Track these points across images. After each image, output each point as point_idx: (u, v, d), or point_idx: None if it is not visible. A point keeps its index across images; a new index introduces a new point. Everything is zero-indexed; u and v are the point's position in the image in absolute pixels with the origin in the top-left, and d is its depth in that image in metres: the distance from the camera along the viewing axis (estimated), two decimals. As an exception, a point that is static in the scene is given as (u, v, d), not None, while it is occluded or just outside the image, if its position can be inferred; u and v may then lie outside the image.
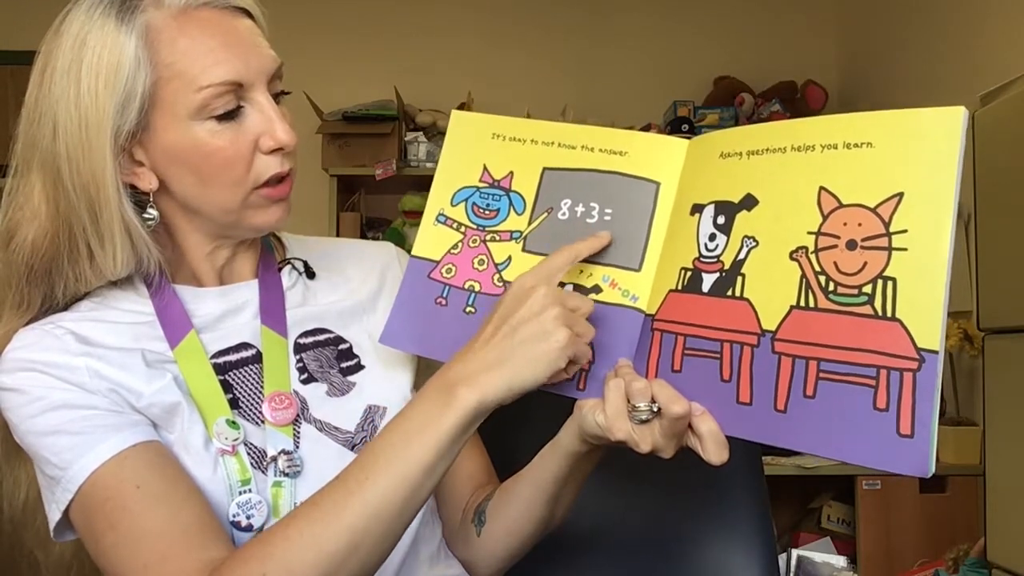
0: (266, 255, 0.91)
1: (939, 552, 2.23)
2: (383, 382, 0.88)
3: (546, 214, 0.80)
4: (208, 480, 0.78)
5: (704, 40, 3.46)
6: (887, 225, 0.61)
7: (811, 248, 0.64)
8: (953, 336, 2.37)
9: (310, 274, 0.92)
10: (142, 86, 0.75)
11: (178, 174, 0.79)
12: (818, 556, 2.49)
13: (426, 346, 0.82)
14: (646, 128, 3.22)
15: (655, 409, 0.69)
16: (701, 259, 0.71)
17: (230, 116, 0.77)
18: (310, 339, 0.88)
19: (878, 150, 0.62)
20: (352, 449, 0.83)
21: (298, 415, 0.83)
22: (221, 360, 0.83)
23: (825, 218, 0.63)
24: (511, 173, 0.82)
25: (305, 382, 0.85)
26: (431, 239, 0.84)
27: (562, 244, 0.76)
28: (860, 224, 0.62)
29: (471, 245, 0.82)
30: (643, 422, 0.70)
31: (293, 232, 0.97)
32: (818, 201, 0.64)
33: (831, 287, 0.63)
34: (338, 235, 3.03)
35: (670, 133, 3.19)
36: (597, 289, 0.76)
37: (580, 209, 0.79)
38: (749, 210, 0.68)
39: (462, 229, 0.83)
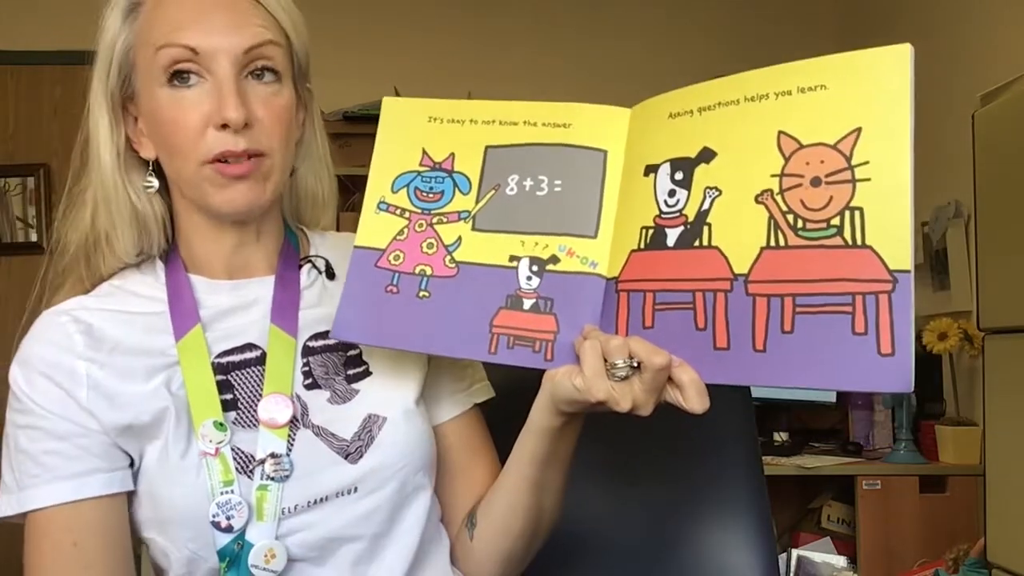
0: (288, 250, 0.89)
1: (939, 552, 2.23)
2: (386, 391, 0.86)
3: (494, 191, 0.80)
4: (190, 484, 0.78)
5: (704, 40, 3.46)
6: (849, 159, 0.64)
7: (776, 190, 0.65)
8: (953, 336, 2.38)
9: (330, 274, 0.90)
10: (122, 52, 0.81)
11: (155, 141, 0.83)
12: (818, 556, 2.49)
13: (381, 336, 0.81)
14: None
15: (634, 364, 0.69)
16: (662, 215, 0.71)
17: (184, 84, 0.79)
18: (320, 342, 0.86)
19: (832, 91, 0.64)
20: (346, 458, 0.82)
21: (296, 419, 0.82)
22: (225, 360, 0.83)
23: (787, 160, 0.65)
24: (452, 155, 0.82)
25: (309, 387, 0.84)
26: (374, 228, 0.83)
27: (514, 219, 0.78)
28: (822, 161, 0.64)
29: (417, 230, 0.82)
30: (623, 379, 0.70)
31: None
32: (778, 145, 0.66)
33: (800, 224, 0.64)
34: (338, 235, 3.03)
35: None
36: (555, 259, 0.77)
37: (529, 183, 0.79)
38: (708, 163, 0.69)
39: (406, 215, 0.82)
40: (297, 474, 0.80)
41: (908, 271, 0.61)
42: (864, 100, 0.64)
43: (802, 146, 0.65)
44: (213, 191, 0.80)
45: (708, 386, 0.69)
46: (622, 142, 0.76)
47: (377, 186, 0.84)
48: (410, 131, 0.83)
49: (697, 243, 0.69)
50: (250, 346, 0.84)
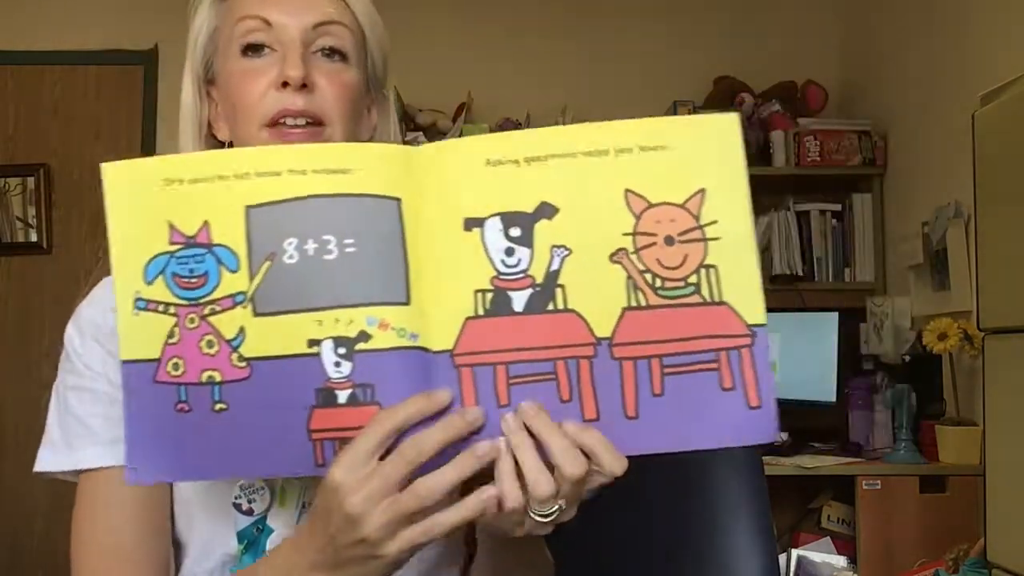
0: None
1: (939, 552, 2.23)
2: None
3: (269, 263, 0.65)
4: None
5: (704, 40, 3.46)
6: (697, 219, 0.64)
7: (631, 248, 0.64)
8: (953, 336, 2.37)
9: None
10: (207, 33, 0.85)
11: (226, 115, 0.84)
12: (818, 556, 2.50)
13: (185, 468, 0.68)
14: (646, 128, 3.21)
15: (562, 506, 0.63)
16: (501, 277, 0.64)
17: (257, 54, 0.81)
18: None
19: (673, 152, 0.64)
20: None
21: None
22: None
23: (638, 218, 0.64)
24: (206, 223, 0.66)
25: None
26: (138, 334, 0.67)
27: (303, 294, 0.64)
28: (673, 220, 0.64)
29: (189, 326, 0.66)
30: (549, 516, 0.63)
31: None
32: (627, 203, 0.64)
33: (658, 283, 0.63)
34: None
35: (670, 133, 3.19)
36: (364, 336, 0.64)
37: (312, 246, 0.64)
38: (549, 219, 0.64)
39: (171, 310, 0.66)
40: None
41: (764, 324, 0.63)
42: (703, 163, 0.64)
43: (651, 205, 0.64)
44: None
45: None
46: (417, 187, 0.65)
47: (126, 280, 0.67)
48: (146, 201, 0.67)
49: (551, 307, 0.63)
50: None
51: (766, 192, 3.23)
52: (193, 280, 0.66)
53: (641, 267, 0.63)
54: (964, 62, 2.55)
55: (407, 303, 0.64)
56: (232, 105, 0.82)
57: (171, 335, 0.66)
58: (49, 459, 0.81)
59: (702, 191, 0.64)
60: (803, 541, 2.67)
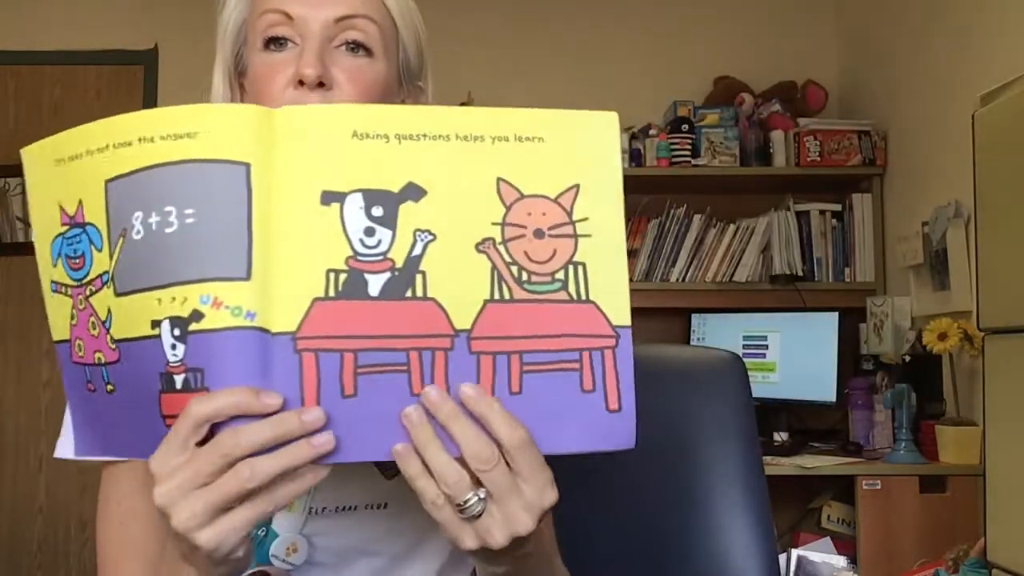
0: None
1: (939, 552, 2.23)
2: None
3: (121, 239, 0.61)
4: None
5: (704, 40, 3.46)
6: (570, 214, 0.62)
7: (498, 239, 0.61)
8: (953, 336, 2.37)
9: None
10: (235, 26, 0.85)
11: None
12: (818, 556, 2.50)
13: (107, 446, 0.67)
14: (645, 128, 3.21)
15: (481, 496, 0.59)
16: (359, 258, 0.60)
17: (279, 48, 0.80)
18: None
19: (550, 145, 0.63)
20: (383, 472, 0.81)
21: None
22: None
23: (508, 208, 0.62)
24: (80, 202, 0.64)
25: None
26: (56, 315, 0.67)
27: (148, 272, 0.60)
28: (544, 213, 0.62)
29: (79, 308, 0.65)
30: (479, 515, 0.59)
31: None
32: (498, 192, 0.62)
33: (524, 277, 0.61)
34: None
35: (670, 133, 3.18)
36: (197, 316, 0.59)
37: (155, 220, 0.60)
38: (416, 201, 0.61)
39: (68, 292, 0.65)
40: (329, 476, 0.80)
41: (628, 326, 0.62)
42: (579, 159, 0.63)
43: (523, 196, 0.62)
44: None
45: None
46: (271, 153, 0.60)
47: (43, 262, 0.67)
48: (45, 183, 0.66)
49: (409, 293, 0.60)
50: None
51: (766, 192, 3.23)
52: (76, 261, 0.64)
53: (508, 259, 0.61)
54: (964, 62, 2.55)
55: (247, 278, 0.59)
56: (256, 100, 0.81)
57: (72, 317, 0.65)
58: (64, 446, 0.82)
59: (576, 187, 0.63)
60: (803, 541, 2.67)
